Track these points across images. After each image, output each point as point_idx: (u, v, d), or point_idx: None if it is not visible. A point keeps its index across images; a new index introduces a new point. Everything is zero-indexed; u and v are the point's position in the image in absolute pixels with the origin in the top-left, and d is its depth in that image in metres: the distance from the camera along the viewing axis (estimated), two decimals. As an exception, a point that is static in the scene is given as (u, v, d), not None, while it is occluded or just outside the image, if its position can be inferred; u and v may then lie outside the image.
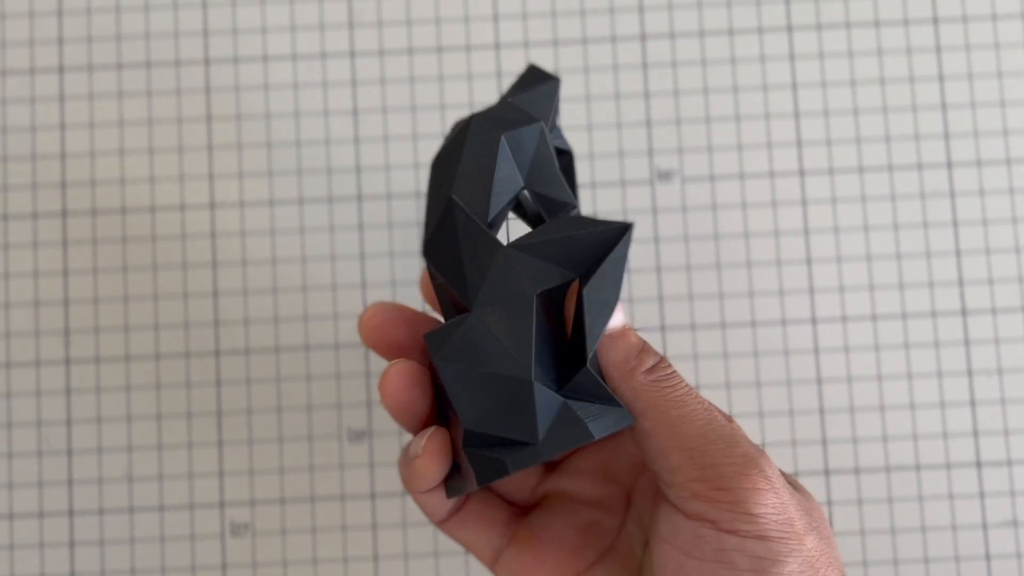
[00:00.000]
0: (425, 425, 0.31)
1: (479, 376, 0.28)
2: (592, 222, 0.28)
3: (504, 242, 0.29)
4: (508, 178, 0.29)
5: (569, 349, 0.29)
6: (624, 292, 0.42)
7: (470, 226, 0.28)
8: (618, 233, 0.28)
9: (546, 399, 0.28)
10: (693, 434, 0.27)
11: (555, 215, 0.29)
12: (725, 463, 0.26)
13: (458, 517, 0.32)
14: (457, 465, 0.30)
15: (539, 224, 0.30)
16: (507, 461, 0.28)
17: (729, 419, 0.29)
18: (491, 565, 0.33)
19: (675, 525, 0.27)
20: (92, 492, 0.41)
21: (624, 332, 0.29)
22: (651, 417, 0.27)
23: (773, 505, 0.26)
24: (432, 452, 0.29)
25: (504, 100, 0.30)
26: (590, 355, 0.28)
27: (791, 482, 0.29)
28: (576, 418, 0.28)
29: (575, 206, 0.30)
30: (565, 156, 0.32)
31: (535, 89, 0.31)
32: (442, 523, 0.32)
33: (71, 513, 0.41)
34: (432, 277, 0.30)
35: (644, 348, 0.29)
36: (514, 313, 0.28)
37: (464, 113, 0.43)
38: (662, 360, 0.29)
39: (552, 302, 0.29)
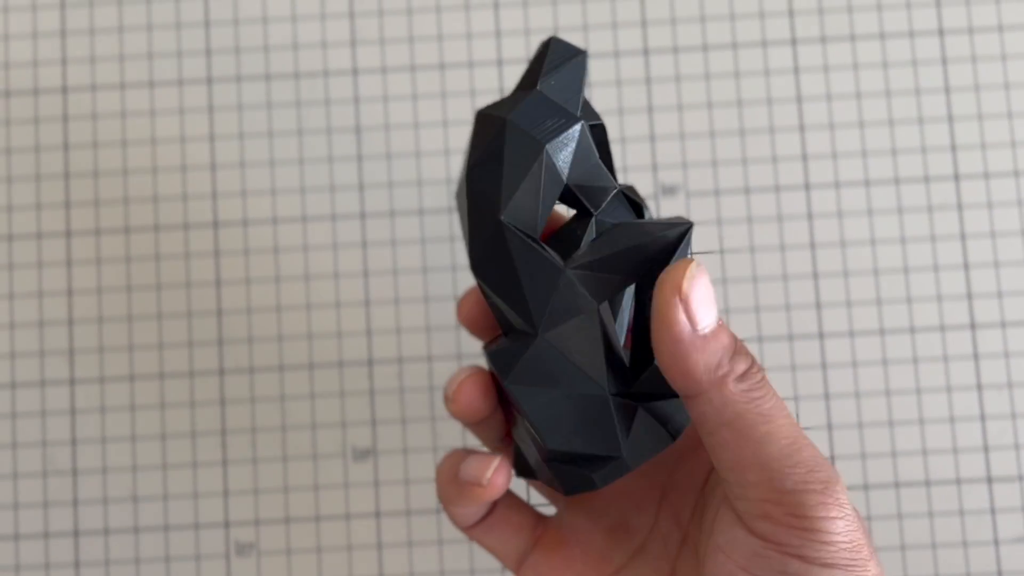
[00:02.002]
0: (489, 423, 0.31)
1: (554, 397, 0.28)
2: (650, 226, 0.28)
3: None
4: (553, 185, 0.28)
5: (629, 345, 0.29)
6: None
7: (526, 250, 0.28)
8: (680, 236, 0.27)
9: (623, 411, 0.28)
10: (776, 454, 0.26)
11: (594, 199, 0.29)
12: (805, 490, 0.25)
13: (485, 523, 0.32)
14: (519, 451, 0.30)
15: (576, 205, 0.30)
16: (595, 477, 0.28)
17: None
18: (516, 569, 0.32)
19: (735, 537, 0.26)
20: (97, 512, 0.41)
21: (718, 332, 0.26)
22: (736, 429, 0.26)
23: (845, 533, 0.25)
24: (498, 485, 0.29)
25: (537, 92, 0.28)
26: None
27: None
28: (654, 424, 0.28)
29: (615, 188, 0.29)
30: (597, 129, 0.30)
31: (563, 69, 0.29)
32: (469, 529, 0.32)
33: (76, 533, 0.41)
34: (483, 292, 0.29)
35: (737, 350, 0.26)
36: (582, 330, 0.28)
37: (462, 130, 0.42)
38: (754, 363, 0.27)
39: (609, 303, 0.30)
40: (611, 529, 0.32)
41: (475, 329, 0.32)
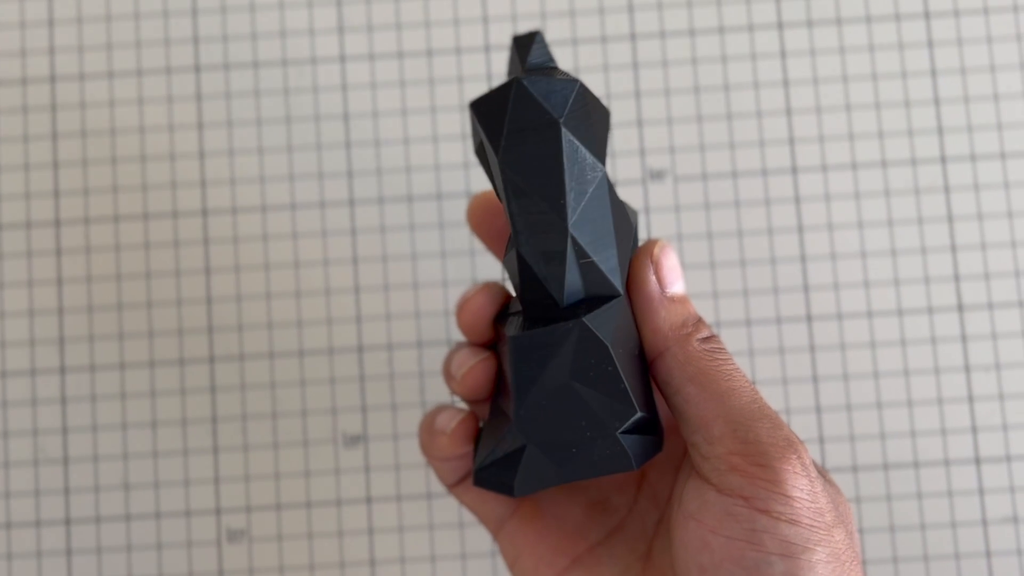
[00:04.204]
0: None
1: (630, 358, 0.28)
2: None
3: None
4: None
5: None
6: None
7: (618, 203, 0.29)
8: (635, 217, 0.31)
9: None
10: (739, 408, 0.27)
11: None
12: (768, 441, 0.26)
13: (466, 483, 0.33)
14: (499, 457, 0.29)
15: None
16: (660, 440, 0.29)
17: None
18: (495, 533, 0.33)
19: (705, 501, 0.27)
20: (88, 500, 0.41)
21: (684, 299, 0.29)
22: (700, 384, 0.27)
23: (807, 492, 0.26)
24: (459, 436, 0.31)
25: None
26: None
27: (823, 475, 0.29)
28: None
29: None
30: None
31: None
32: (452, 487, 0.33)
33: (68, 521, 0.41)
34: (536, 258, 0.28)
35: (700, 320, 0.29)
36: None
37: (450, 117, 0.43)
38: (715, 336, 0.29)
39: None
40: (590, 506, 0.32)
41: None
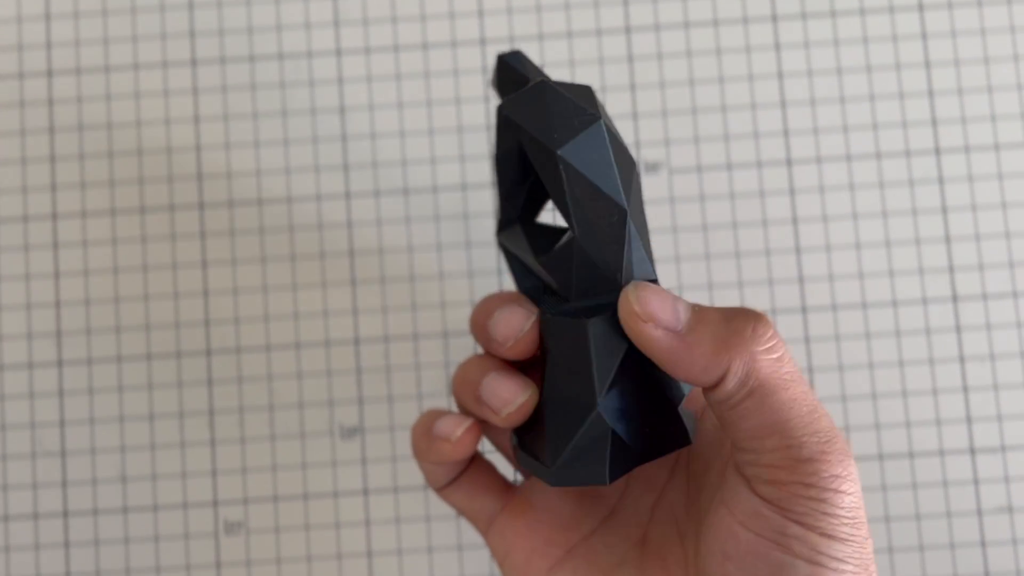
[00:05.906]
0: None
1: None
2: None
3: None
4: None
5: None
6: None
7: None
8: None
9: None
10: (797, 422, 0.25)
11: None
12: (820, 460, 0.25)
13: (455, 484, 0.32)
14: (525, 446, 0.30)
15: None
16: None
17: None
18: (485, 532, 0.32)
19: (739, 494, 0.26)
20: (86, 493, 0.41)
21: (702, 314, 0.27)
22: (759, 396, 0.26)
23: (850, 508, 0.25)
24: (464, 444, 0.30)
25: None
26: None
27: None
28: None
29: None
30: None
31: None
32: (440, 489, 0.33)
33: (65, 514, 0.41)
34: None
35: (763, 316, 0.27)
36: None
37: (446, 110, 0.43)
38: (774, 331, 0.27)
39: None
40: (581, 496, 0.32)
41: None
